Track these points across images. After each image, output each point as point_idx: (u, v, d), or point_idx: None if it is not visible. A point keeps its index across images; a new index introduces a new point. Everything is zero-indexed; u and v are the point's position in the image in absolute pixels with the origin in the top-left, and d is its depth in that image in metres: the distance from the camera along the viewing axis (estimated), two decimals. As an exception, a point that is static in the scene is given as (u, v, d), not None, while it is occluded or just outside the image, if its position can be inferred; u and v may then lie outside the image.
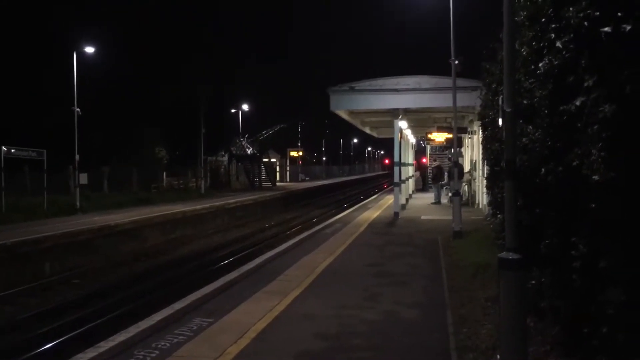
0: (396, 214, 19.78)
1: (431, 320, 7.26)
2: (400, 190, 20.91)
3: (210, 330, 6.82)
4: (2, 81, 36.28)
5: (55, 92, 32.29)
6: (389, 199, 27.84)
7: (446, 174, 27.80)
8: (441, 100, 18.73)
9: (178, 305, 7.68)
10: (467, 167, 25.91)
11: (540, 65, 4.89)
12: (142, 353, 6.02)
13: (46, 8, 44.09)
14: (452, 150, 17.71)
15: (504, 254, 4.92)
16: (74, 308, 11.51)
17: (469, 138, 25.98)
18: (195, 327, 6.90)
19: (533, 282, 5.75)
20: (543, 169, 4.96)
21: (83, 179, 25.73)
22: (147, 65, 42.19)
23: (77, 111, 25.34)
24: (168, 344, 6.29)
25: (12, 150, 22.28)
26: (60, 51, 30.68)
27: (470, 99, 16.63)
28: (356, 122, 27.02)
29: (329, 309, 7.74)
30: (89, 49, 26.25)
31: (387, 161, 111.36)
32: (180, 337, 6.52)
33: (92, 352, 5.90)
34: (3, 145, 21.75)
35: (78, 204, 24.23)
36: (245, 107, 51.44)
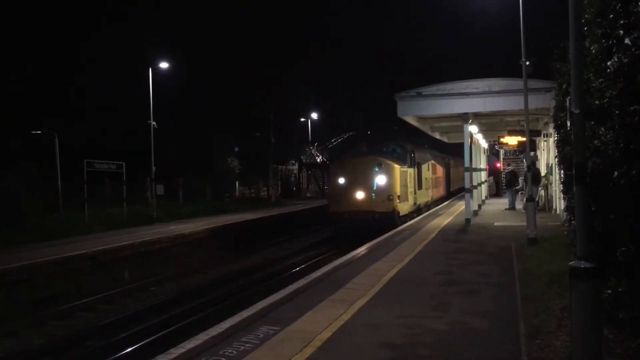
0: (468, 220, 19.33)
1: (502, 331, 7.01)
2: (471, 196, 20.43)
3: (276, 338, 6.88)
4: (82, 97, 38.35)
5: (132, 106, 33.80)
6: (461, 205, 27.24)
7: (521, 178, 26.93)
8: (513, 103, 18.18)
9: (246, 313, 7.80)
10: (543, 171, 24.98)
11: (609, 63, 4.65)
12: (209, 360, 6.15)
13: (120, 24, 46.28)
14: (526, 154, 17.15)
15: (575, 263, 4.71)
16: (149, 315, 11.93)
17: (545, 141, 25.08)
18: (261, 335, 6.98)
19: (609, 291, 5.45)
20: (616, 173, 4.69)
21: (159, 189, 26.74)
22: (218, 78, 43.43)
23: (153, 124, 26.39)
24: (235, 352, 6.39)
25: (95, 164, 23.46)
26: (136, 66, 32.06)
27: (544, 101, 16.12)
28: (425, 128, 26.65)
29: (395, 318, 7.64)
30: (164, 64, 27.29)
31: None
32: (247, 345, 6.60)
33: (162, 359, 6.07)
34: (85, 159, 22.94)
35: (155, 213, 25.19)
36: (314, 115, 51.91)
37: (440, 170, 31.89)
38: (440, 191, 32.32)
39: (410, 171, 22.76)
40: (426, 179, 26.37)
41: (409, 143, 24.49)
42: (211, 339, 6.71)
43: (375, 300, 8.71)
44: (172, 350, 6.33)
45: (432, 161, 28.74)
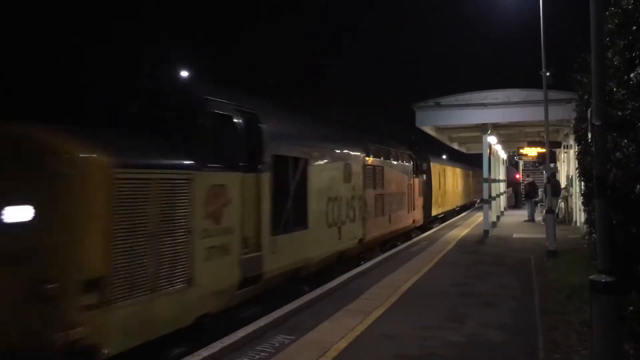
0: (486, 232, 19.16)
1: (520, 344, 6.92)
2: (490, 207, 20.25)
3: (291, 348, 6.85)
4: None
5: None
6: (479, 217, 27.01)
7: (541, 190, 26.65)
8: (532, 114, 18.03)
9: (261, 322, 7.78)
10: (563, 183, 24.71)
11: (632, 75, 4.59)
12: (224, 368, 6.14)
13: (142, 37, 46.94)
14: (545, 165, 16.99)
15: (596, 276, 4.65)
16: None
17: (565, 152, 24.82)
18: (277, 344, 6.96)
19: (631, 307, 5.36)
20: (638, 186, 4.62)
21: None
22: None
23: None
24: (250, 360, 6.39)
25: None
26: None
27: (564, 112, 15.96)
28: (443, 138, 26.53)
29: (411, 329, 7.58)
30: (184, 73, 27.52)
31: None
32: (262, 354, 6.59)
33: (176, 367, 5.82)
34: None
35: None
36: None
37: (396, 178, 17.49)
38: (398, 221, 17.69)
39: (199, 187, 7.07)
40: (332, 200, 11.80)
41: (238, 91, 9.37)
42: (226, 347, 6.71)
43: (392, 311, 8.65)
44: (187, 358, 6.33)
45: (369, 158, 14.58)
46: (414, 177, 20.16)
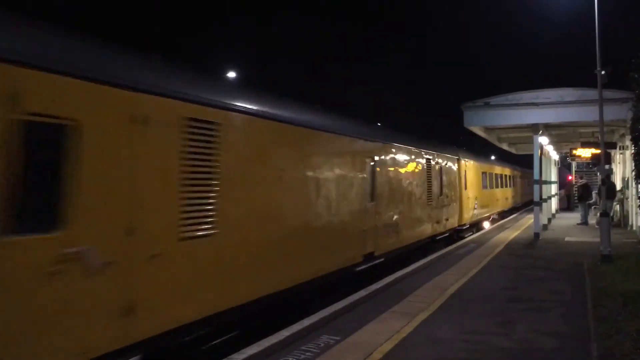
0: (536, 234, 18.69)
1: (572, 352, 6.71)
2: (540, 209, 19.75)
3: (336, 348, 6.85)
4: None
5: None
6: (529, 219, 26.40)
7: (594, 192, 25.85)
8: (586, 114, 17.51)
9: (307, 322, 7.81)
10: (618, 185, 23.87)
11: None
12: (270, 367, 6.19)
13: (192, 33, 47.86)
14: (600, 167, 16.44)
15: (653, 283, 4.47)
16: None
17: (620, 154, 23.98)
18: (322, 345, 6.97)
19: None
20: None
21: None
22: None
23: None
24: (295, 360, 6.42)
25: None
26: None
27: (620, 112, 15.47)
28: (492, 139, 26.04)
29: (458, 333, 7.46)
30: (231, 74, 27.91)
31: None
32: (307, 354, 6.61)
33: (222, 364, 5.90)
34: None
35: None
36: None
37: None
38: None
39: None
40: None
41: None
42: (273, 345, 6.76)
43: (438, 314, 8.54)
44: (234, 355, 6.40)
45: None
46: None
